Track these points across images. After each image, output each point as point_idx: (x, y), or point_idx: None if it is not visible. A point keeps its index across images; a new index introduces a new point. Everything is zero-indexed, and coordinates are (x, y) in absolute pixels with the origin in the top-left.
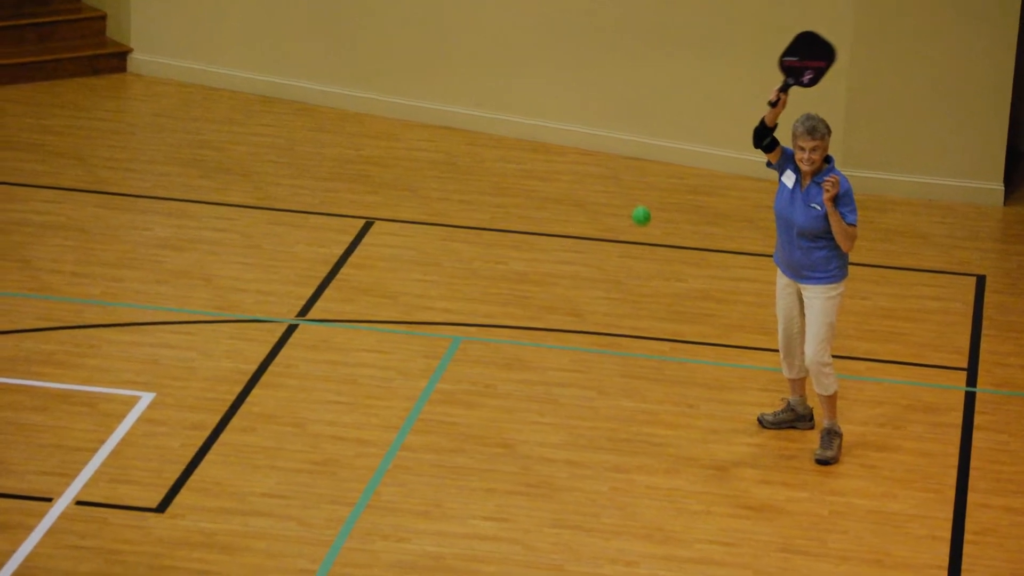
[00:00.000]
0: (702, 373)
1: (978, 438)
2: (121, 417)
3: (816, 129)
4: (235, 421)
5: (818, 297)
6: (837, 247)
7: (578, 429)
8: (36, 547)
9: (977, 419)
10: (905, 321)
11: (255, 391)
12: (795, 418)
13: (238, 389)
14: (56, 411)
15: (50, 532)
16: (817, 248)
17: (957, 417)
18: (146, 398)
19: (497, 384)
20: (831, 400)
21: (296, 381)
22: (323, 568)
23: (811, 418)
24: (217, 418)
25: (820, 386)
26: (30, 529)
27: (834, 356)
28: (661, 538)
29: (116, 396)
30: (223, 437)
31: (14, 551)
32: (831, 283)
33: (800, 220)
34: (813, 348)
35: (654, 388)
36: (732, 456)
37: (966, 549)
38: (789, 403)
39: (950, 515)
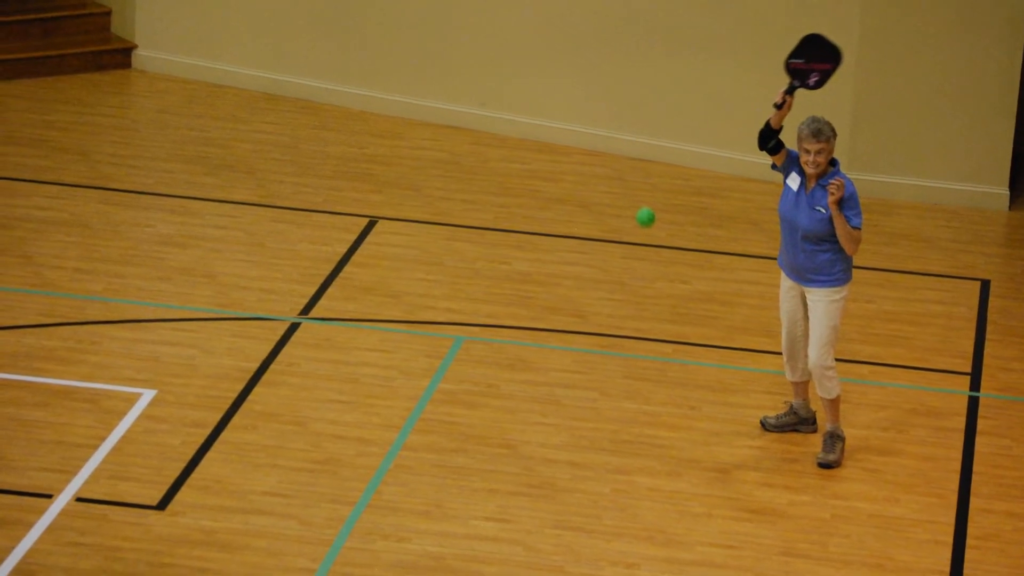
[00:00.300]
0: (705, 375)
1: (981, 443)
2: (122, 414)
3: (821, 132)
4: (236, 419)
5: (822, 300)
6: (841, 250)
7: (580, 430)
8: (36, 544)
9: (980, 424)
10: (909, 325)
11: (256, 389)
12: (798, 421)
13: (239, 387)
14: (57, 407)
15: (50, 529)
16: (821, 251)
17: (960, 421)
18: (147, 395)
19: (499, 384)
20: (834, 403)
21: (298, 379)
22: (323, 567)
23: (814, 421)
24: (218, 416)
25: (823, 389)
26: (30, 526)
27: (837, 359)
28: (662, 540)
29: (117, 393)
30: (224, 435)
31: (13, 547)
32: (835, 286)
33: (804, 223)
34: (816, 351)
35: (656, 390)
36: (734, 459)
37: (968, 554)
38: (792, 406)
39: (952, 520)
